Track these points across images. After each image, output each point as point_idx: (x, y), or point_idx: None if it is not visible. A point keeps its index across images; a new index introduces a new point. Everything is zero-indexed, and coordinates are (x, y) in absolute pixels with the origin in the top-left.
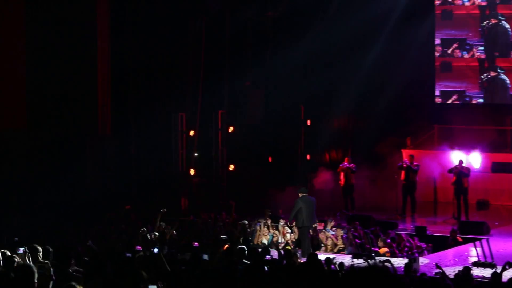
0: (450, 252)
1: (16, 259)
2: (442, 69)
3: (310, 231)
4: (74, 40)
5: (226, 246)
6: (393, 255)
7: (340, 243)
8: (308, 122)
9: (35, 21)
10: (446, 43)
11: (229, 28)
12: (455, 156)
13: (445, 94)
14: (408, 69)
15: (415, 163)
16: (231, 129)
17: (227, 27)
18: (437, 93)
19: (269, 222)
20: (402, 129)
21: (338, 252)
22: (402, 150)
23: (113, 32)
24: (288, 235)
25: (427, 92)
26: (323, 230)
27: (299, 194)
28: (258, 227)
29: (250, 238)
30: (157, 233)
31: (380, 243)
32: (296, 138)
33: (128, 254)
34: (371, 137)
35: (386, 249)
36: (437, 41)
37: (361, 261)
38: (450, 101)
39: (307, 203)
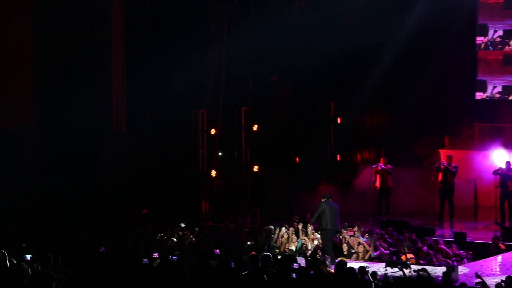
0: (491, 261)
1: (25, 267)
2: (506, 63)
3: (339, 236)
4: (86, 31)
5: (252, 253)
6: (430, 263)
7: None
8: (339, 119)
9: (45, 13)
10: (508, 35)
11: (254, 18)
12: (499, 157)
13: (508, 90)
14: (446, 61)
15: (453, 164)
16: (255, 127)
17: (251, 17)
18: (499, 89)
19: (299, 226)
20: (440, 127)
21: (371, 260)
22: (440, 150)
23: (128, 22)
24: (316, 241)
25: (467, 86)
26: (354, 236)
27: (322, 199)
28: (282, 232)
29: (274, 244)
30: (175, 239)
31: (403, 250)
32: (325, 137)
33: (145, 261)
34: (405, 136)
35: (410, 255)
36: (500, 33)
37: (395, 270)
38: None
39: (331, 207)
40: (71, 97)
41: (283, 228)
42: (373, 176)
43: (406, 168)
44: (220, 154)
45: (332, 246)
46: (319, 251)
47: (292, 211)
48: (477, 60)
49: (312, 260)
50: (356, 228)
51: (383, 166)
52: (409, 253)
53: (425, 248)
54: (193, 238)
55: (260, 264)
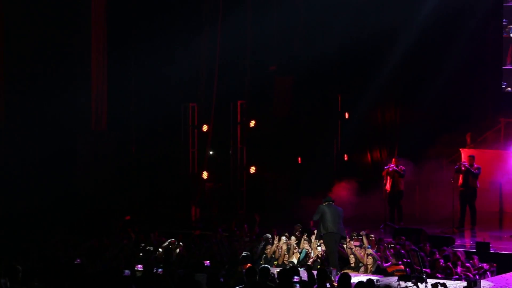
0: None
1: None
2: None
3: (345, 245)
4: (62, 14)
5: (248, 265)
6: (449, 276)
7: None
8: (346, 114)
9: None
10: None
11: (252, 1)
12: None
13: None
14: (468, 48)
15: (475, 166)
16: (252, 123)
17: (248, 2)
18: None
19: (304, 236)
20: (461, 123)
21: (380, 272)
22: (461, 149)
23: (111, 7)
24: (319, 248)
25: (493, 76)
26: (364, 246)
27: (323, 203)
28: (281, 243)
29: (272, 256)
30: (160, 250)
31: (392, 260)
32: (331, 134)
33: (127, 272)
34: (422, 133)
35: (399, 267)
36: None
37: (410, 284)
38: None
39: (332, 210)
40: (45, 90)
41: (283, 238)
42: (384, 179)
43: (422, 169)
44: (212, 153)
45: (338, 257)
46: (320, 260)
47: (293, 218)
48: (504, 46)
49: (316, 272)
50: (363, 238)
51: (394, 167)
52: (396, 264)
53: (442, 260)
54: (182, 248)
55: (257, 277)
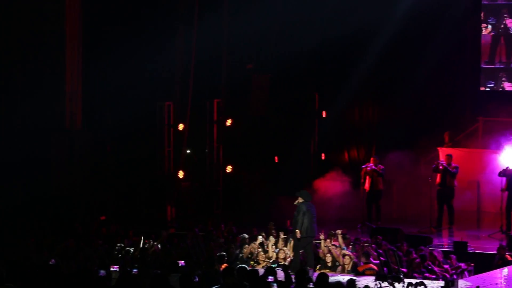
0: (496, 274)
1: None
2: None
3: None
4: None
5: (225, 265)
6: (426, 277)
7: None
8: (323, 113)
9: None
10: None
11: (227, 2)
12: (506, 156)
13: None
14: (446, 46)
15: (453, 165)
16: (229, 122)
17: (224, 1)
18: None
19: (281, 235)
20: (439, 121)
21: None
22: (438, 148)
23: (85, 4)
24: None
25: (471, 75)
26: (338, 247)
27: (300, 199)
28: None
29: (249, 256)
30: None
31: (363, 259)
32: (308, 133)
33: (102, 273)
34: (399, 132)
35: (369, 266)
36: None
37: (386, 284)
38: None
39: (310, 211)
40: (18, 89)
41: (260, 237)
42: (362, 178)
43: (400, 168)
44: (188, 152)
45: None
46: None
47: (270, 218)
48: (482, 45)
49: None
50: (338, 237)
51: (373, 167)
52: (367, 263)
53: (418, 260)
54: (159, 246)
55: (235, 277)
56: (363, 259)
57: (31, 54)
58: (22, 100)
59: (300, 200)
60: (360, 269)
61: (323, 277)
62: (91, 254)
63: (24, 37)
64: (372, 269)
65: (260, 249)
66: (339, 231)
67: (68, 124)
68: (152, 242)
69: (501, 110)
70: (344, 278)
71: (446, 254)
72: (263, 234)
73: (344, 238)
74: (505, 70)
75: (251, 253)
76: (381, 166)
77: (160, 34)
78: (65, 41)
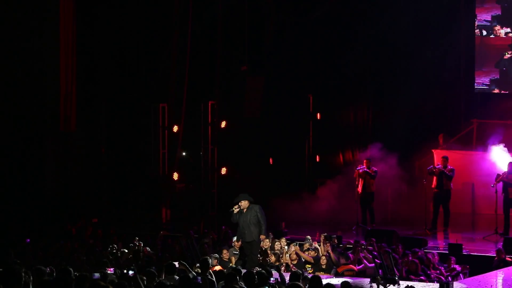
0: (491, 276)
1: None
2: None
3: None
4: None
5: (218, 267)
6: (421, 278)
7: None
8: (318, 115)
9: None
10: None
11: (221, 3)
12: (500, 159)
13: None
14: (441, 48)
15: (449, 167)
16: (223, 124)
17: (218, 2)
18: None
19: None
20: (433, 123)
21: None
22: (433, 151)
23: (80, 6)
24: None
25: (465, 76)
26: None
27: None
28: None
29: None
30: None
31: (342, 260)
32: (303, 135)
33: (96, 276)
34: (394, 134)
35: (348, 267)
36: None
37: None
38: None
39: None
40: (13, 90)
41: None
42: (356, 180)
43: (394, 170)
44: (183, 154)
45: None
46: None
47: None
48: (476, 46)
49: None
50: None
51: (365, 169)
52: (346, 264)
53: (416, 261)
54: (147, 249)
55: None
56: (342, 260)
57: (27, 57)
58: (16, 102)
59: (246, 203)
60: (340, 269)
61: (317, 280)
62: (85, 256)
63: (20, 41)
64: (351, 269)
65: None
66: (324, 234)
67: (62, 126)
68: (141, 245)
69: (496, 112)
70: (339, 280)
71: (444, 257)
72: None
73: (328, 239)
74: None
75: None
76: (374, 168)
77: (155, 37)
78: (59, 44)
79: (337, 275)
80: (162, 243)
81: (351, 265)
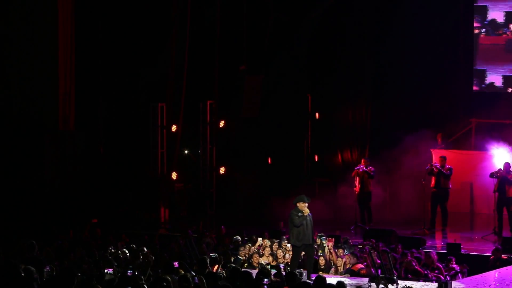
0: (490, 276)
1: None
2: (508, 49)
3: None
4: (31, 19)
5: (216, 267)
6: (420, 278)
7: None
8: (317, 115)
9: None
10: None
11: (219, 3)
12: (498, 158)
13: (510, 81)
14: (440, 47)
15: (447, 166)
16: (222, 123)
17: (217, 2)
18: (499, 79)
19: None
20: (432, 123)
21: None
22: (432, 150)
23: (78, 6)
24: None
25: (464, 76)
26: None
27: (298, 204)
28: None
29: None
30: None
31: (353, 259)
32: (301, 134)
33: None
34: (393, 133)
35: (360, 266)
36: (501, 15)
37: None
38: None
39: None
40: (12, 89)
41: (259, 239)
42: (355, 179)
43: (393, 170)
44: (185, 152)
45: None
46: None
47: (263, 219)
48: (475, 46)
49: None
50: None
51: (364, 168)
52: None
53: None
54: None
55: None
56: (354, 260)
57: (26, 56)
58: (15, 101)
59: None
60: (355, 268)
61: (321, 280)
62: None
63: (19, 40)
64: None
65: (252, 249)
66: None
67: (61, 125)
68: (140, 245)
69: (494, 111)
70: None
71: (444, 256)
72: (254, 236)
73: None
74: (498, 70)
75: (245, 255)
76: (372, 168)
77: (153, 36)
78: (58, 44)
79: (353, 274)
80: (160, 242)
81: (361, 264)
